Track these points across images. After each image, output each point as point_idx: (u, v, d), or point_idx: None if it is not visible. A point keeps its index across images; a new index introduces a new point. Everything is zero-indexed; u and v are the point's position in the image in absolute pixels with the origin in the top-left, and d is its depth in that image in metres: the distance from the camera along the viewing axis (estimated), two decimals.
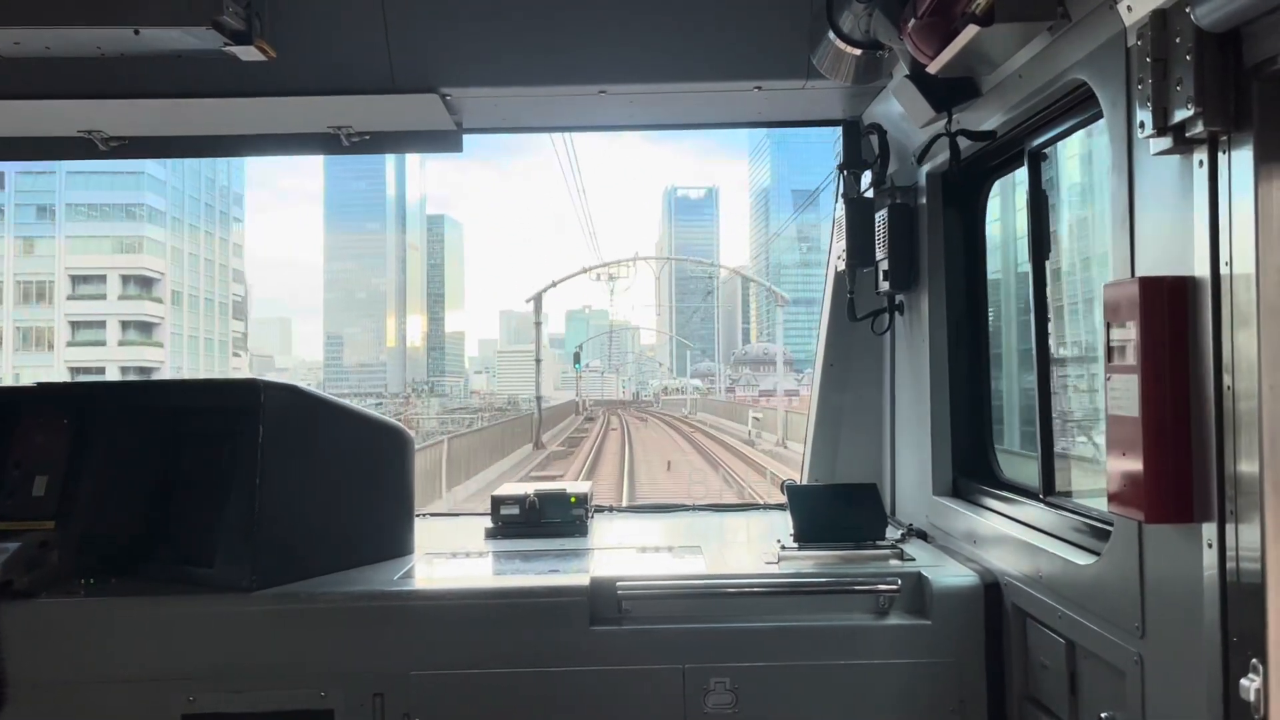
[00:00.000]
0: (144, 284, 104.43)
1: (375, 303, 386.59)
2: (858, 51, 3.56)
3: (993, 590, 3.42)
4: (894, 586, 3.48)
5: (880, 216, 4.26)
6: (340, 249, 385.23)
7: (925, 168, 4.04)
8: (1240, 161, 2.11)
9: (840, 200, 4.61)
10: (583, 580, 3.52)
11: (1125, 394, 2.37)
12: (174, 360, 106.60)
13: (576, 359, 79.11)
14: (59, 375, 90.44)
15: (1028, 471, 3.73)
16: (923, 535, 4.11)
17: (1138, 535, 2.51)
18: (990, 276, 4.16)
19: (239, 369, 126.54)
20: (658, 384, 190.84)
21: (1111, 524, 2.70)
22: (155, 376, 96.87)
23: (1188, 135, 2.19)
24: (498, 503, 4.45)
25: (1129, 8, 2.40)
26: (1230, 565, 2.16)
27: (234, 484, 3.65)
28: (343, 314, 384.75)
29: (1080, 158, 4.58)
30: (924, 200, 4.11)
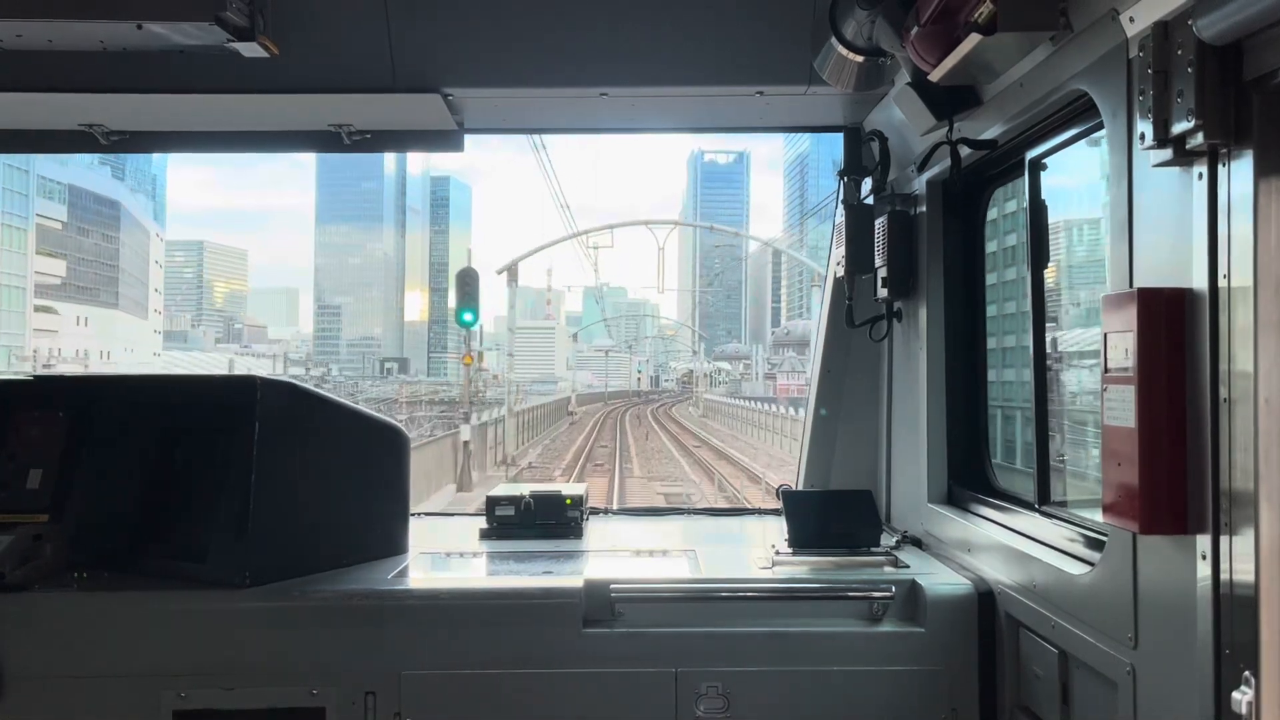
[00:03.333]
0: None
1: (371, 270, 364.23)
2: (860, 58, 3.56)
3: (986, 599, 3.43)
4: (888, 593, 3.48)
5: (880, 223, 4.26)
6: (335, 210, 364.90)
7: (925, 175, 4.04)
8: (1239, 175, 2.12)
9: (840, 206, 4.61)
10: (576, 582, 3.51)
11: (1122, 404, 2.37)
12: None
13: (463, 304, 28.93)
14: None
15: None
16: (917, 543, 4.11)
17: (1132, 546, 2.51)
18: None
19: (49, 330, 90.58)
20: (683, 367, 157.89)
21: (1106, 534, 2.70)
22: None
23: (1188, 147, 2.20)
24: (493, 503, 4.45)
25: (1131, 19, 2.41)
26: (1224, 577, 2.17)
27: (229, 480, 3.65)
28: (336, 282, 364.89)
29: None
30: (924, 208, 4.12)
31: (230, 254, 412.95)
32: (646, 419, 72.35)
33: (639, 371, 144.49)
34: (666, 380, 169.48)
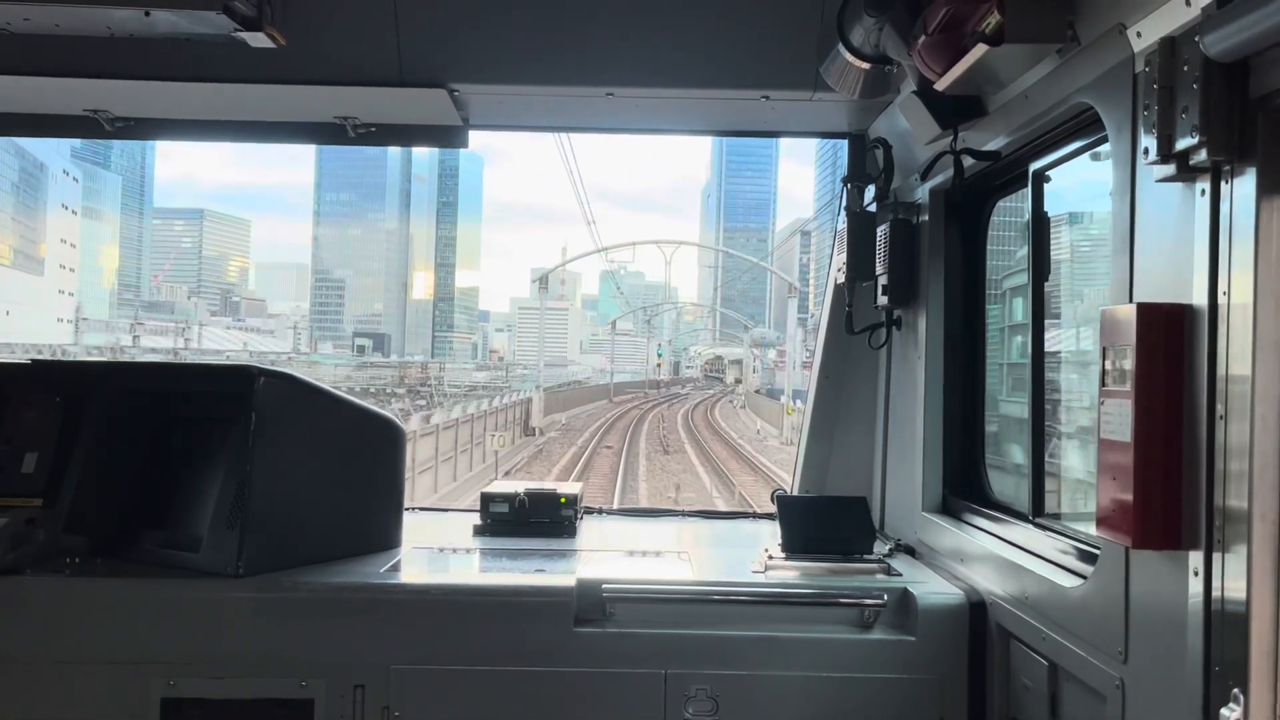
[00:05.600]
0: None
1: (373, 241, 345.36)
2: (866, 65, 3.56)
3: (978, 609, 3.43)
4: (879, 601, 3.48)
5: (881, 231, 4.26)
6: (335, 175, 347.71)
7: (928, 184, 4.04)
8: (1242, 192, 2.12)
9: (843, 213, 4.62)
10: (569, 581, 3.51)
11: (1118, 418, 2.38)
12: None
13: None
14: None
15: None
16: (910, 551, 4.11)
17: (1124, 560, 2.51)
18: None
19: None
20: (709, 352, 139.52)
21: (1099, 548, 2.71)
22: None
23: (1191, 163, 2.20)
24: (487, 500, 4.45)
25: (1138, 34, 2.41)
26: (1215, 594, 2.17)
27: (224, 470, 3.65)
28: (336, 254, 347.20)
29: None
30: (926, 217, 4.12)
31: (233, 224, 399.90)
32: (682, 449, 36.82)
33: (660, 355, 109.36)
34: (688, 368, 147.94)
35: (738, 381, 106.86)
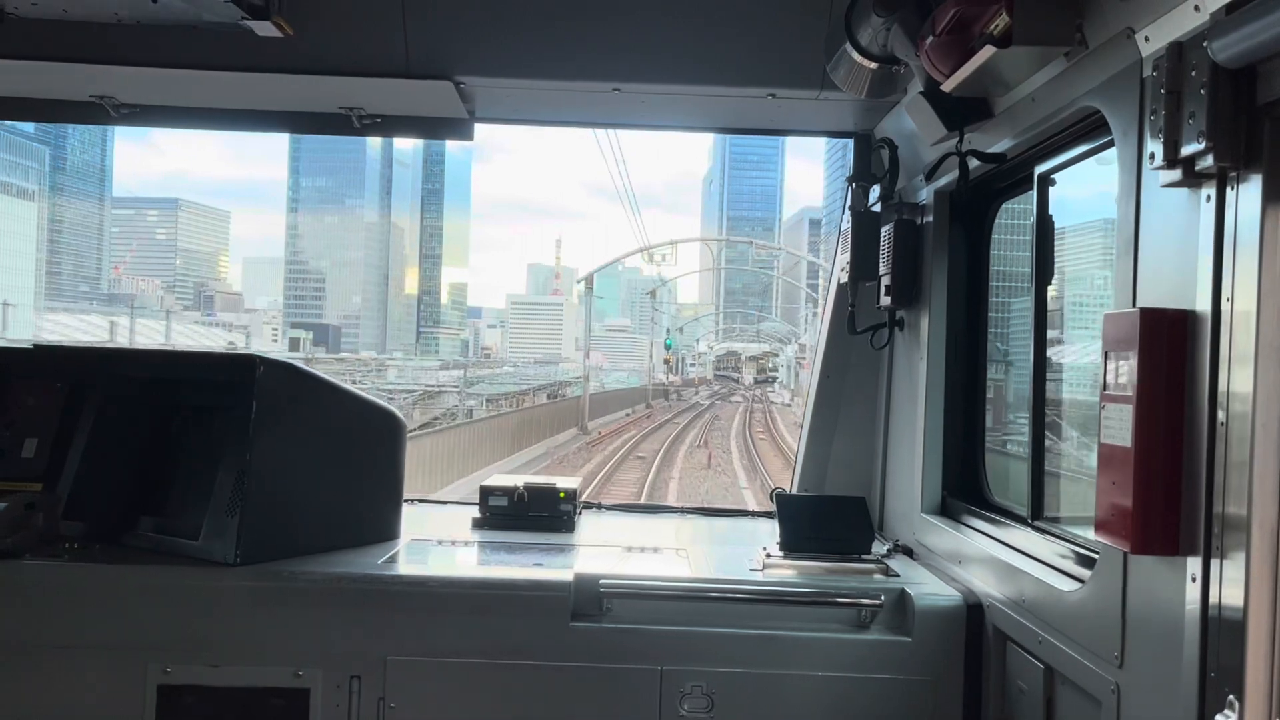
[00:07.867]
0: None
1: (351, 229, 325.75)
2: (873, 65, 3.56)
3: (975, 611, 3.43)
4: (876, 601, 3.48)
5: (885, 231, 4.26)
6: (312, 160, 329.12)
7: (933, 185, 4.04)
8: (1247, 198, 2.11)
9: (847, 212, 4.61)
10: (566, 576, 3.52)
11: (1119, 423, 2.37)
12: None
13: None
14: None
15: None
16: (909, 552, 4.11)
17: (1123, 565, 2.51)
18: None
19: None
20: (721, 349, 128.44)
21: (1097, 552, 2.71)
22: None
23: (1197, 169, 2.19)
24: (486, 493, 4.46)
25: (1147, 38, 2.40)
26: (1213, 600, 2.17)
27: (224, 458, 3.65)
28: (311, 244, 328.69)
29: None
30: (930, 218, 4.12)
31: (210, 214, 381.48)
32: None
33: (668, 348, 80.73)
34: (693, 365, 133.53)
35: (757, 382, 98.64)
